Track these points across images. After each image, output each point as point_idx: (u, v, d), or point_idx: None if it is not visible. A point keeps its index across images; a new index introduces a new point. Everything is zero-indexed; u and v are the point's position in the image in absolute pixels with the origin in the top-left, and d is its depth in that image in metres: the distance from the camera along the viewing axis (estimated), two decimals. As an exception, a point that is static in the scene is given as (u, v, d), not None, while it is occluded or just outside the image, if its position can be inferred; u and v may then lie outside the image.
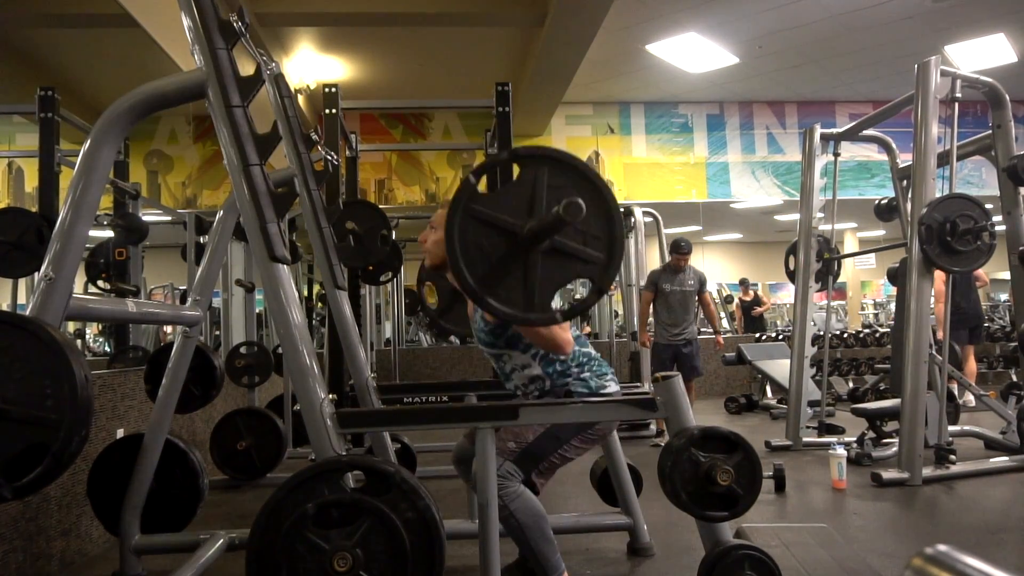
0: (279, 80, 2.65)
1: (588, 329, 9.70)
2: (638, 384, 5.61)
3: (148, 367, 2.90)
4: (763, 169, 9.32)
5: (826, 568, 2.33)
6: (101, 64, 5.29)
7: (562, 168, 1.66)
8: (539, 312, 1.67)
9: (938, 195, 3.88)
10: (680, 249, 5.34)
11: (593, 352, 2.17)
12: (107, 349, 6.77)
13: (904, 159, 4.88)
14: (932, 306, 4.16)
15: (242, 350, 4.40)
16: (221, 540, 2.61)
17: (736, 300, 10.73)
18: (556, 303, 1.71)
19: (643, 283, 5.64)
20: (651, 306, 5.40)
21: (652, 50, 7.43)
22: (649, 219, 6.15)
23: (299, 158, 2.72)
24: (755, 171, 9.31)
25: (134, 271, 4.38)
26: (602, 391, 2.10)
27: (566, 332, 1.99)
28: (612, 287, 6.17)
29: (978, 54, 7.59)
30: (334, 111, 4.10)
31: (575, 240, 1.65)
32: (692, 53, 7.53)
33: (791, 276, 5.31)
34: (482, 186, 1.69)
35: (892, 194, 5.34)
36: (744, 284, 10.70)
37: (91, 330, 7.44)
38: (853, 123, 5.05)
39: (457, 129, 8.79)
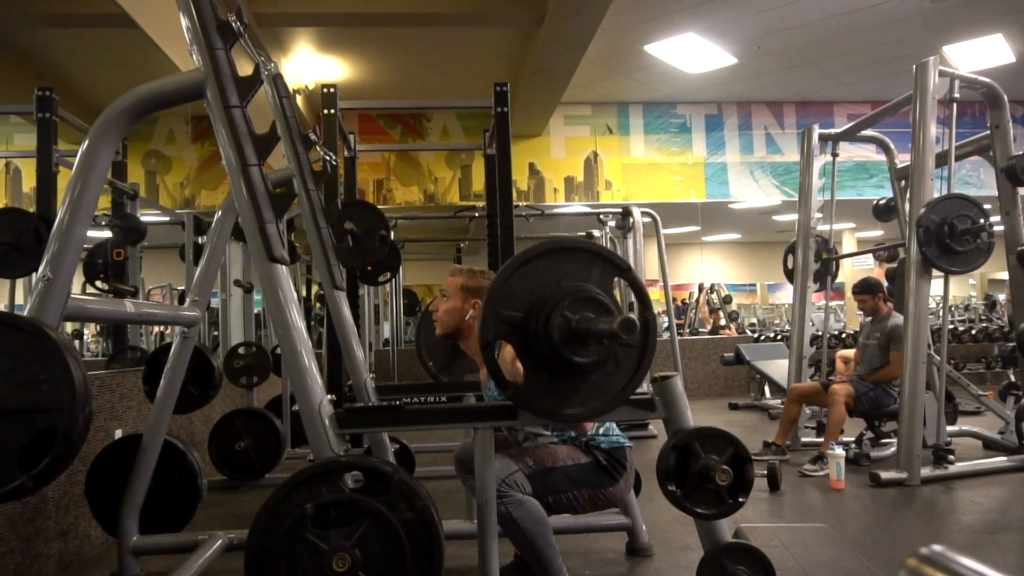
0: (277, 80, 2.64)
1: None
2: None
3: (146, 367, 2.90)
4: (761, 169, 9.33)
5: (824, 568, 2.33)
6: (99, 64, 5.29)
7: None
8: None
9: (936, 195, 3.88)
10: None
11: None
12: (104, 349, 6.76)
13: (902, 159, 4.88)
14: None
15: (240, 350, 4.40)
16: (220, 541, 2.61)
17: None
18: None
19: None
20: None
21: (650, 50, 7.43)
22: (647, 219, 6.15)
23: (297, 158, 2.71)
24: (753, 171, 9.32)
25: (132, 271, 4.38)
26: (616, 446, 2.16)
27: None
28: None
29: (976, 54, 7.59)
30: (332, 111, 4.10)
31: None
32: (690, 53, 7.54)
33: (789, 276, 5.31)
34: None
35: (890, 194, 5.35)
36: None
37: (89, 331, 7.43)
38: (851, 123, 5.05)
39: (456, 129, 8.79)
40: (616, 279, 1.66)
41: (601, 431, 2.15)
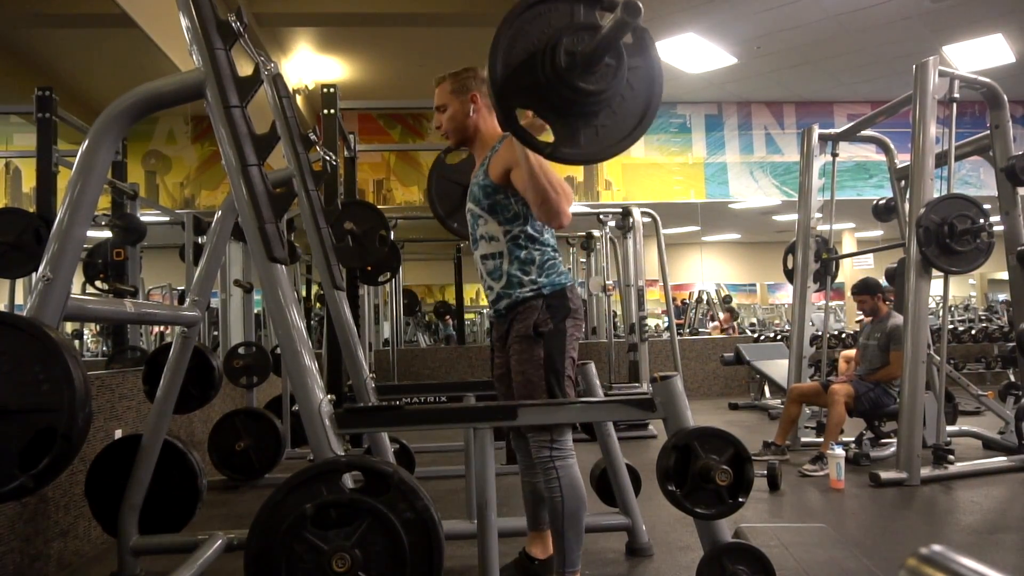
0: (277, 80, 2.64)
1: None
2: (637, 384, 5.62)
3: (146, 367, 2.90)
4: (761, 169, 9.33)
5: (824, 568, 2.33)
6: (99, 64, 5.29)
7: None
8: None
9: (936, 195, 3.88)
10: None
11: (558, 255, 2.20)
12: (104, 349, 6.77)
13: (902, 159, 4.89)
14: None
15: (240, 350, 4.40)
16: (220, 541, 2.61)
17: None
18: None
19: (642, 283, 5.59)
20: None
21: (650, 50, 7.43)
22: (647, 219, 6.15)
23: (297, 158, 2.71)
24: (753, 171, 9.32)
25: (132, 271, 4.38)
26: (556, 289, 2.11)
27: (569, 205, 1.99)
28: (610, 287, 6.19)
29: (976, 54, 7.60)
30: (332, 111, 4.10)
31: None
32: (690, 53, 7.54)
33: (789, 276, 5.31)
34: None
35: (890, 194, 5.35)
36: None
37: (89, 331, 7.43)
38: (851, 123, 5.05)
39: (456, 129, 8.79)
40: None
41: (543, 276, 2.11)
